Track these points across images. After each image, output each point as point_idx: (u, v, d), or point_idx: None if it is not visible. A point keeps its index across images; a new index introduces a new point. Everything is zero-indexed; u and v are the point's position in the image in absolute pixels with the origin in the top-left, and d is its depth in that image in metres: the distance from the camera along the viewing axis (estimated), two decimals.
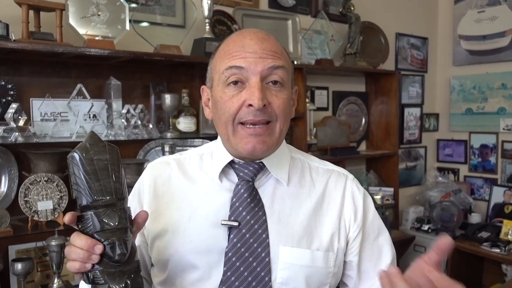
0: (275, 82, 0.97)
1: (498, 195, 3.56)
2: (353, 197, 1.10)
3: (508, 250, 2.95)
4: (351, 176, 1.15)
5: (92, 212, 0.80)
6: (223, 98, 0.97)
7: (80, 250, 0.79)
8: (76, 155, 0.81)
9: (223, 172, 1.06)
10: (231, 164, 1.05)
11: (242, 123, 0.97)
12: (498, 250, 2.98)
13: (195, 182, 1.07)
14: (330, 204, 1.08)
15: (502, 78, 3.60)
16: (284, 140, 1.10)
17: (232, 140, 1.00)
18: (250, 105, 0.94)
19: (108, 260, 0.80)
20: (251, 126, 0.96)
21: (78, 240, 0.80)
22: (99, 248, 0.79)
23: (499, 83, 3.62)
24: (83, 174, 0.80)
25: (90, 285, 0.82)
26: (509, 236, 3.05)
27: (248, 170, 1.04)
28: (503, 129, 3.60)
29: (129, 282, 0.80)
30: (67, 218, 0.81)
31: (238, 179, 1.04)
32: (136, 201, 1.09)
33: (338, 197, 1.09)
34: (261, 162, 1.04)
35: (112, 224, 0.80)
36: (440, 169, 4.00)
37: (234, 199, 1.02)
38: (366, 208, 1.10)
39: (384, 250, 1.12)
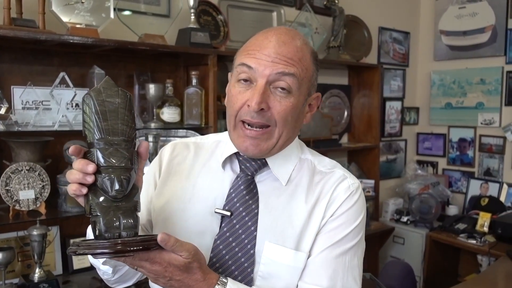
0: (282, 88, 0.98)
1: (475, 188, 3.65)
2: (337, 195, 1.04)
3: (483, 241, 3.03)
4: (352, 181, 1.07)
5: (97, 149, 0.84)
6: (232, 92, 1.01)
7: (76, 171, 0.83)
8: (89, 96, 0.86)
9: (230, 162, 1.10)
10: (237, 155, 1.08)
11: (243, 121, 1.00)
12: (474, 241, 3.06)
13: (204, 166, 1.12)
14: (320, 206, 1.04)
15: (481, 74, 3.67)
16: (297, 139, 1.11)
17: (231, 134, 1.04)
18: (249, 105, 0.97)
19: (105, 195, 0.84)
20: (248, 127, 0.99)
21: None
22: (91, 167, 0.82)
23: (478, 78, 3.69)
24: (93, 113, 0.85)
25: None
26: (484, 228, 3.14)
27: (250, 165, 1.07)
28: (481, 123, 3.67)
29: (121, 217, 0.84)
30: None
31: (240, 171, 1.07)
32: (157, 164, 1.15)
33: (326, 198, 1.04)
34: (264, 159, 1.06)
35: (114, 161, 0.84)
36: (419, 162, 4.08)
37: (231, 190, 1.05)
38: (341, 209, 1.03)
39: (339, 267, 1.01)
